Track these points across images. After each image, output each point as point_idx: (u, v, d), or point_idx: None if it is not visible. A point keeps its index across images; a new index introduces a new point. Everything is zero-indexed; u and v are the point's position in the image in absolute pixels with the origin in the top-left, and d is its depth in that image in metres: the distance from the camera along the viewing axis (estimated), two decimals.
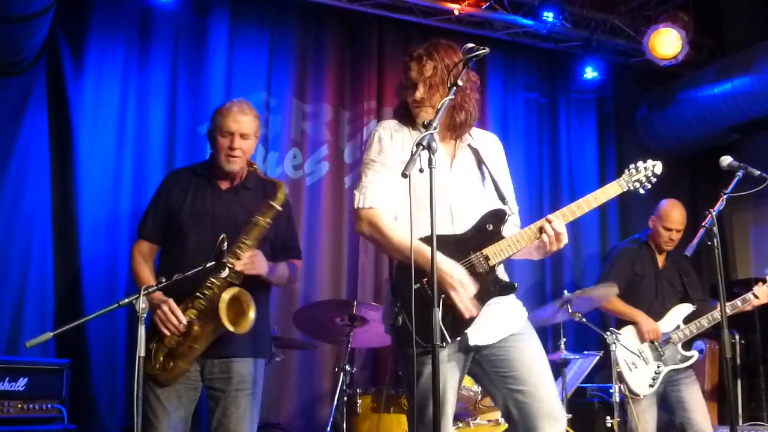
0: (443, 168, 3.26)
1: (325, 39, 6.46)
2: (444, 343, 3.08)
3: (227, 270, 3.56)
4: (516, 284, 3.27)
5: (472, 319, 3.13)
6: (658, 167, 3.33)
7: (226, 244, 3.50)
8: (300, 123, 6.22)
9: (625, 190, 3.32)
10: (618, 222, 7.41)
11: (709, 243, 3.78)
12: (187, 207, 3.81)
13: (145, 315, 3.23)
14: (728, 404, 3.72)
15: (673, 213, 5.54)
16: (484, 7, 6.59)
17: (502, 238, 3.22)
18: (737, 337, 6.98)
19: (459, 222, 3.23)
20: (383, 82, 6.59)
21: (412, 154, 2.78)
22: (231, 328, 3.54)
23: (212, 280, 3.56)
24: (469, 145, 3.37)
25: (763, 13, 7.56)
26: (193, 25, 5.98)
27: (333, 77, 6.42)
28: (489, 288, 3.19)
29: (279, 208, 3.67)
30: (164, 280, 3.36)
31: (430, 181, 2.84)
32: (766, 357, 7.09)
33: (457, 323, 3.13)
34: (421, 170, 2.80)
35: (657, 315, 5.42)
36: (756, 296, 5.24)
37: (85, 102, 5.51)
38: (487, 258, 3.19)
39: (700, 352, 5.64)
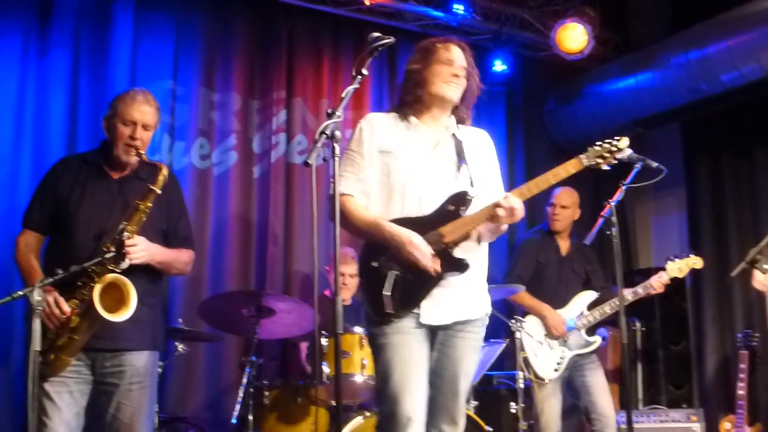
0: (422, 151, 3.35)
1: (234, 27, 6.38)
2: (392, 316, 3.18)
3: (127, 260, 3.48)
4: (466, 262, 3.26)
5: (422, 295, 3.21)
6: (624, 141, 3.34)
7: (126, 234, 3.43)
8: (207, 112, 6.13)
9: (586, 165, 3.32)
10: (527, 212, 7.48)
11: (608, 232, 3.86)
12: (76, 196, 3.66)
13: (41, 308, 3.15)
14: (626, 389, 3.80)
15: (560, 192, 5.71)
16: None
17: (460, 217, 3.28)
18: (638, 324, 7.19)
19: (426, 205, 3.28)
20: (293, 71, 6.54)
21: (315, 142, 2.82)
22: (108, 316, 3.39)
23: (94, 269, 3.43)
24: (453, 134, 3.43)
25: (668, 9, 7.77)
26: (96, 11, 5.83)
27: (242, 66, 6.34)
28: (444, 264, 3.23)
29: (158, 191, 3.54)
30: (60, 271, 3.26)
31: (334, 169, 2.86)
32: (665, 343, 7.31)
33: (408, 298, 3.20)
34: (306, 164, 2.79)
35: (561, 302, 5.53)
36: (652, 286, 5.37)
37: None
38: (441, 235, 3.24)
39: (603, 338, 5.77)
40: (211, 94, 6.16)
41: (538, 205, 6.23)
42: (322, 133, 2.83)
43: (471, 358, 3.32)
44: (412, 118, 3.41)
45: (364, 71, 3.02)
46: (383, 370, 3.20)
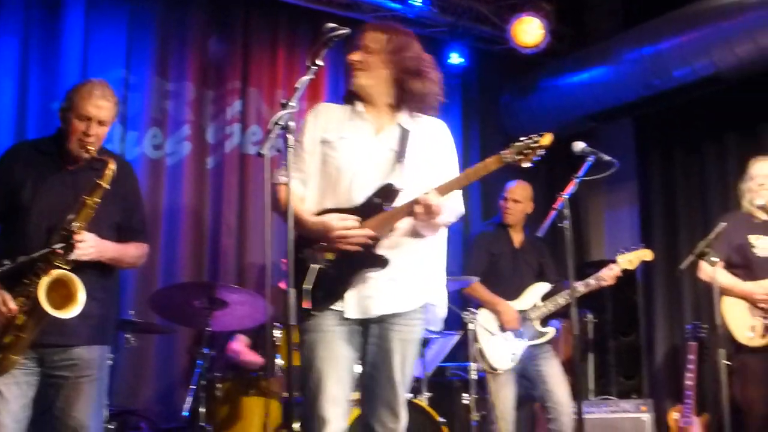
0: (362, 139, 3.30)
1: (189, 17, 6.30)
2: (311, 312, 3.14)
3: (74, 256, 3.42)
4: (386, 258, 3.21)
5: (343, 291, 3.17)
6: (547, 138, 3.19)
7: (74, 225, 3.38)
8: (161, 102, 6.04)
9: (507, 162, 3.20)
10: (480, 203, 7.54)
11: (560, 225, 3.89)
12: (29, 187, 3.58)
13: None
14: (577, 379, 3.83)
15: (513, 186, 5.76)
16: None
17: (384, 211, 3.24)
18: (590, 315, 7.27)
19: (357, 195, 3.24)
20: (248, 62, 6.50)
21: (268, 132, 2.81)
22: (55, 313, 3.34)
23: (40, 264, 3.37)
24: (399, 124, 3.36)
25: (622, 5, 7.85)
26: None
27: (196, 56, 6.27)
28: (360, 260, 3.20)
29: (106, 186, 3.48)
30: (8, 262, 3.20)
31: (287, 159, 2.85)
32: (615, 335, 7.41)
33: (329, 294, 3.17)
34: (259, 154, 2.78)
35: (515, 293, 5.56)
36: (604, 278, 5.42)
37: None
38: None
39: (557, 330, 5.82)
40: (165, 83, 6.09)
41: (492, 197, 6.30)
42: (276, 123, 2.82)
43: (407, 350, 3.26)
44: (359, 105, 3.36)
45: (319, 62, 3.00)
46: (303, 367, 3.16)
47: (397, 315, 3.23)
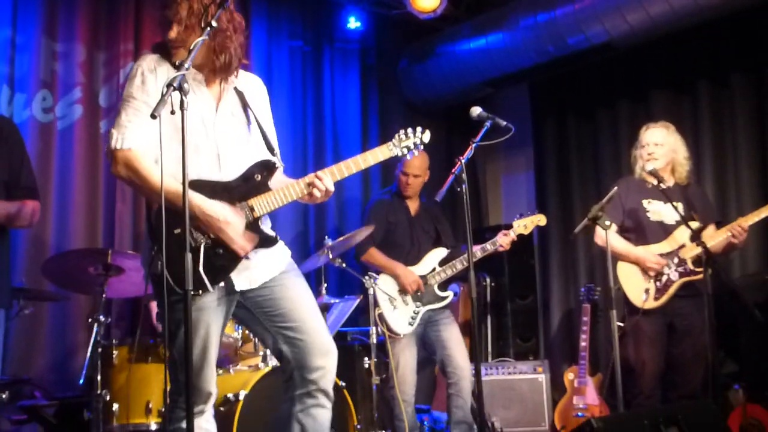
0: (208, 112, 3.20)
1: None
2: (201, 291, 3.06)
3: None
4: (278, 237, 3.28)
5: (234, 265, 3.13)
6: (427, 135, 3.50)
7: None
8: (50, 63, 5.80)
9: (394, 154, 3.44)
10: (379, 169, 7.58)
11: (458, 189, 3.93)
12: None
13: None
14: (475, 342, 3.90)
15: (412, 159, 5.75)
16: None
17: (269, 189, 3.23)
18: (488, 279, 7.40)
19: (226, 168, 3.18)
20: (141, 23, 6.28)
21: (162, 95, 2.74)
22: None
23: None
24: (235, 88, 3.31)
25: None
26: None
27: (86, 16, 6.02)
28: (252, 240, 3.18)
29: None
30: None
31: (182, 123, 2.79)
32: (513, 298, 7.56)
33: (218, 269, 3.10)
34: (172, 112, 2.75)
35: (414, 260, 5.62)
36: (500, 243, 5.51)
37: None
38: (252, 209, 3.18)
39: (455, 294, 5.90)
40: (54, 44, 5.85)
41: (390, 166, 6.32)
42: (170, 85, 2.75)
43: (305, 286, 3.34)
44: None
45: (214, 23, 2.95)
46: (182, 345, 2.89)
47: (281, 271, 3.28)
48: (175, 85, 2.75)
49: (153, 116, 2.71)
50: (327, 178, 3.24)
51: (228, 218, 3.08)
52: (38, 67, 5.75)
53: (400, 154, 3.45)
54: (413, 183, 5.77)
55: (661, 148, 5.27)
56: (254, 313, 3.27)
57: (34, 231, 5.28)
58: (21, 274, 5.22)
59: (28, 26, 5.73)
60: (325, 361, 3.22)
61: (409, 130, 3.48)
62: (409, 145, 3.46)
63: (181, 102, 2.79)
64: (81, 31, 5.99)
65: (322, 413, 3.22)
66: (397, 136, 3.47)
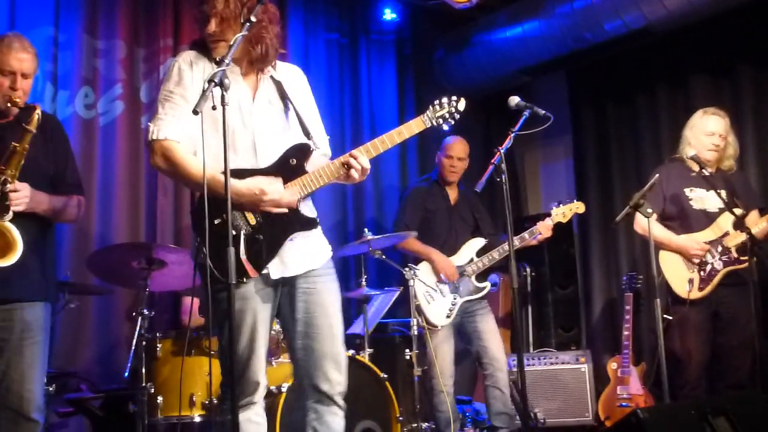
0: (245, 101, 3.23)
1: None
2: (245, 278, 3.09)
3: (11, 211, 3.35)
4: (318, 219, 3.29)
5: (275, 251, 3.15)
6: (462, 103, 3.39)
7: (7, 173, 3.32)
8: (91, 60, 5.88)
9: (428, 126, 3.36)
10: (417, 158, 7.58)
11: (498, 179, 3.91)
12: None
13: None
14: (517, 333, 3.89)
15: (455, 143, 5.80)
16: None
17: (306, 172, 3.24)
18: (528, 269, 7.36)
19: (263, 156, 3.21)
20: (180, 19, 6.34)
21: (203, 91, 2.77)
22: None
23: None
24: (271, 77, 3.33)
25: None
26: None
27: (126, 13, 6.09)
28: (291, 222, 3.20)
29: (33, 130, 3.41)
30: None
31: (223, 119, 2.82)
32: (554, 287, 7.53)
33: (259, 255, 3.13)
34: (213, 107, 2.78)
35: (451, 249, 5.62)
36: (539, 231, 5.49)
37: None
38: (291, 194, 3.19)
39: (494, 284, 5.89)
40: (95, 41, 5.92)
41: (430, 152, 6.28)
42: (211, 81, 2.78)
43: (338, 300, 3.32)
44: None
45: (253, 18, 2.97)
46: (230, 332, 2.91)
47: (317, 269, 3.27)
48: (216, 80, 2.78)
49: (195, 112, 2.74)
50: (362, 157, 3.22)
51: (264, 187, 3.11)
52: (80, 64, 5.83)
53: (435, 124, 3.36)
54: (458, 166, 5.77)
55: (724, 140, 5.22)
56: (285, 306, 3.29)
57: (78, 225, 5.35)
58: (66, 268, 5.29)
59: (70, 25, 5.81)
60: (336, 374, 3.23)
61: (444, 99, 3.40)
62: (444, 114, 3.37)
63: (222, 97, 2.82)
64: (121, 28, 6.05)
65: (336, 421, 3.25)
66: (431, 106, 3.38)
